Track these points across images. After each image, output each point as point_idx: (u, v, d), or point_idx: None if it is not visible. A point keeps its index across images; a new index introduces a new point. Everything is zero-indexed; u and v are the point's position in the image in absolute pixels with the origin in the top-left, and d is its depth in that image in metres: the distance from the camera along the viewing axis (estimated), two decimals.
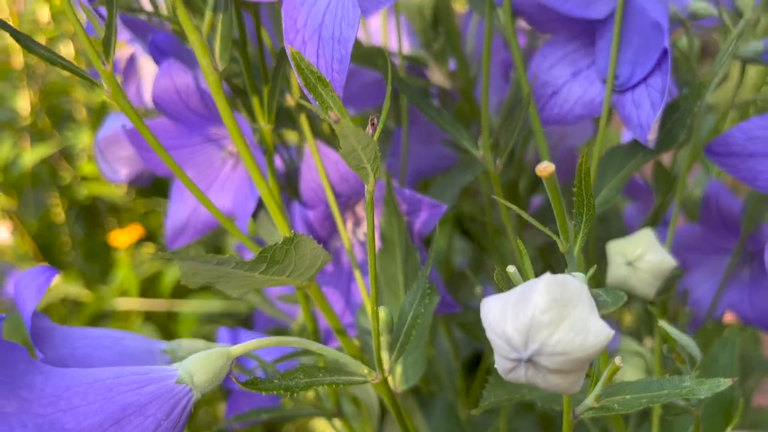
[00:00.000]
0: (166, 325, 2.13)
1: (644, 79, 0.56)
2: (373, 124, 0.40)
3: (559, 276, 0.34)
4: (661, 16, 0.56)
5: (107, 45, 0.44)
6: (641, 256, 0.58)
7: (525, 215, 0.40)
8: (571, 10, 0.58)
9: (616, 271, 0.59)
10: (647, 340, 0.71)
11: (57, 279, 2.15)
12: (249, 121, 0.63)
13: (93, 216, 2.44)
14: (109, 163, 0.68)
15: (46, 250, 2.34)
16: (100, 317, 2.09)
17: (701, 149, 0.66)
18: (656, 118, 0.54)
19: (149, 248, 2.18)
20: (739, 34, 0.65)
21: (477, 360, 0.93)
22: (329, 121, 0.39)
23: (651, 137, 0.55)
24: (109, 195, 2.32)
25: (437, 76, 0.80)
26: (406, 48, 0.85)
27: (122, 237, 2.17)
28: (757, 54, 0.68)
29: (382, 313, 0.47)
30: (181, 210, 0.69)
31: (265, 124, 0.57)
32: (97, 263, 2.35)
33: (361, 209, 0.69)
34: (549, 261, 0.77)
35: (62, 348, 0.50)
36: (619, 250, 0.59)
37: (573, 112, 0.60)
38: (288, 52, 0.47)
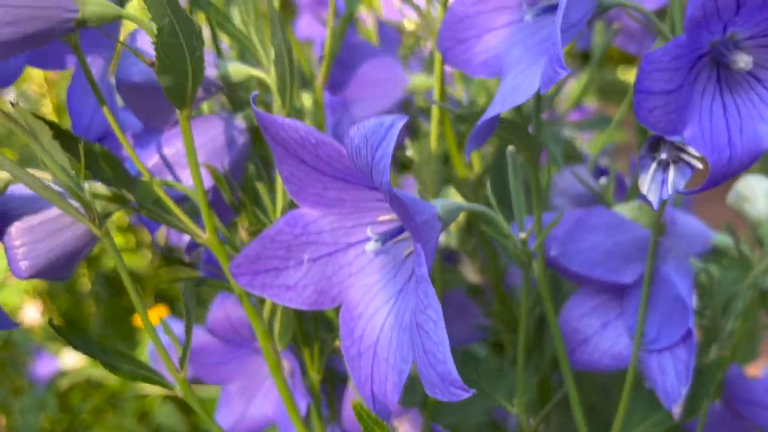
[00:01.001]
0: (186, 405, 2.16)
1: (670, 348, 0.60)
2: None
3: None
4: (685, 290, 0.60)
5: (183, 359, 0.49)
6: None
7: None
8: (600, 276, 0.62)
9: None
10: None
11: (82, 361, 2.20)
12: (297, 353, 0.68)
13: (118, 284, 2.51)
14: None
15: (74, 324, 2.40)
16: (121, 397, 2.13)
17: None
18: (683, 394, 0.58)
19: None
20: (764, 271, 0.70)
21: None
22: None
23: (676, 411, 0.58)
24: (135, 266, 2.39)
25: (470, 272, 0.85)
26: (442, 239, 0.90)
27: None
28: None
29: None
30: (228, 416, 0.74)
31: (314, 374, 0.61)
32: (119, 329, 2.41)
33: (396, 422, 0.74)
34: None
35: None
36: None
37: (602, 361, 0.65)
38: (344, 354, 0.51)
